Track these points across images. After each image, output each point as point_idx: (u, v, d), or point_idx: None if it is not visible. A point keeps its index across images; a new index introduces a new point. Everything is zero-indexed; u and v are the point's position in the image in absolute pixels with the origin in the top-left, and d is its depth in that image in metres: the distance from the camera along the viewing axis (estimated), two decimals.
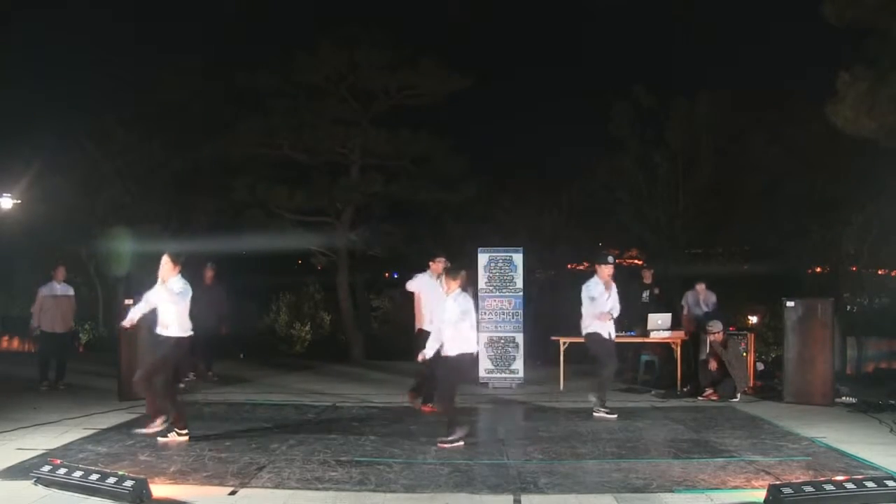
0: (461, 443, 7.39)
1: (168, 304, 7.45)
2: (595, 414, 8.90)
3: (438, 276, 9.27)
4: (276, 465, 6.56)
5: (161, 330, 7.53)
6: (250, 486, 5.94)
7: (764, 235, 16.99)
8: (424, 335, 8.89)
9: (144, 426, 7.57)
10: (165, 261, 7.51)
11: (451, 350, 7.61)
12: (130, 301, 10.26)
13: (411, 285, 9.54)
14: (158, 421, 7.53)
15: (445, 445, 7.33)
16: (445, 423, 7.59)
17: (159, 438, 7.38)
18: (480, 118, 19.25)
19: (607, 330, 9.01)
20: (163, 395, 7.48)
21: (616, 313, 9.12)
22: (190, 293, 7.56)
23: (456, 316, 7.55)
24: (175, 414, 7.53)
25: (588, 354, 9.36)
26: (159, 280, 7.51)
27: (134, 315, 7.74)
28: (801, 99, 15.36)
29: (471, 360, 7.89)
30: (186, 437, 7.48)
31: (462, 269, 7.98)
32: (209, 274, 12.24)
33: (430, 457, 6.98)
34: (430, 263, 9.47)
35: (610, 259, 9.15)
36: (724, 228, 17.80)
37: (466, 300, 7.68)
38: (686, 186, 17.21)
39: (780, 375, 10.70)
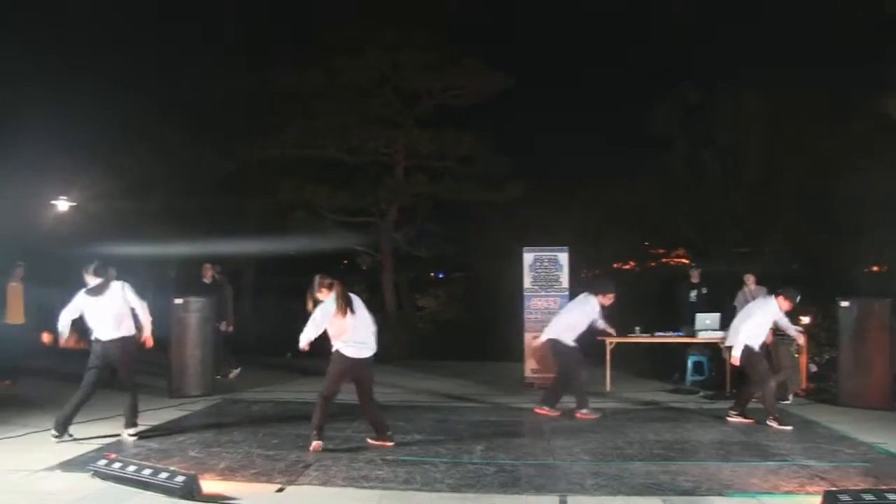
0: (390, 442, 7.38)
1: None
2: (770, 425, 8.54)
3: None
4: (322, 463, 6.61)
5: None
6: (297, 484, 6.01)
7: (816, 234, 16.63)
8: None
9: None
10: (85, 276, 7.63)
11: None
12: (180, 301, 10.55)
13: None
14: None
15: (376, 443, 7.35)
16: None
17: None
18: (524, 117, 19.13)
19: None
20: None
21: None
22: (78, 298, 7.61)
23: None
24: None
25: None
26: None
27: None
28: (856, 94, 14.99)
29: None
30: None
31: (330, 279, 7.47)
32: (208, 273, 12.37)
33: (475, 457, 6.97)
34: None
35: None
36: (774, 227, 17.47)
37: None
38: (734, 184, 16.94)
39: (834, 377, 10.47)
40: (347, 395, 7.46)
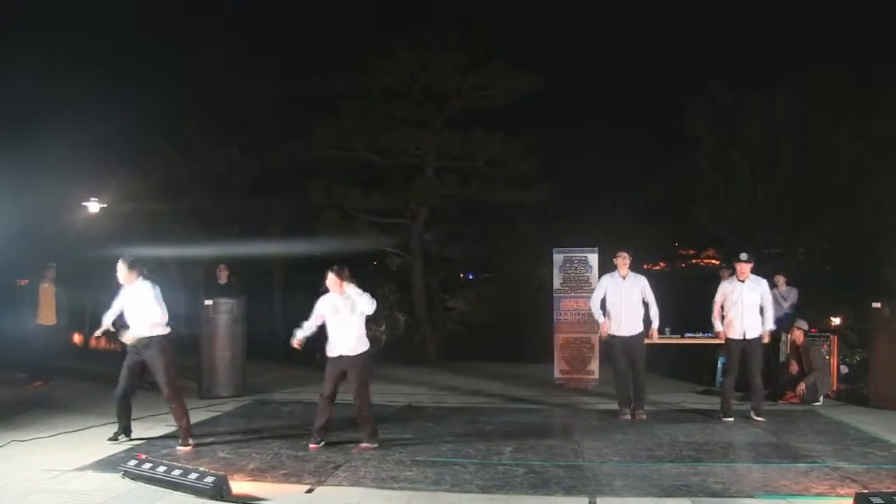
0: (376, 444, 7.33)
1: (142, 306, 7.37)
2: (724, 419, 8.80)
3: (624, 277, 9.43)
4: (351, 465, 6.64)
5: (147, 331, 7.37)
6: (327, 485, 6.04)
7: (848, 234, 16.40)
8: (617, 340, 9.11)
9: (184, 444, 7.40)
10: (120, 268, 7.45)
11: (360, 348, 7.42)
12: (210, 302, 10.64)
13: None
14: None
15: (365, 446, 7.28)
16: (367, 425, 7.45)
17: (180, 448, 7.28)
18: (552, 117, 19.13)
19: (741, 331, 8.84)
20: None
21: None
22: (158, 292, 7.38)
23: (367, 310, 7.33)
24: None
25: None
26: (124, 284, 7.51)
27: (105, 322, 7.73)
28: (887, 94, 14.78)
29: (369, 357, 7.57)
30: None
31: (343, 267, 7.45)
32: (223, 274, 12.43)
33: (505, 458, 6.97)
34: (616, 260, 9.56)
35: (743, 256, 8.95)
36: (806, 227, 17.27)
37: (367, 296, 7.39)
38: (765, 184, 16.75)
39: (866, 379, 10.32)
40: (377, 395, 7.48)
